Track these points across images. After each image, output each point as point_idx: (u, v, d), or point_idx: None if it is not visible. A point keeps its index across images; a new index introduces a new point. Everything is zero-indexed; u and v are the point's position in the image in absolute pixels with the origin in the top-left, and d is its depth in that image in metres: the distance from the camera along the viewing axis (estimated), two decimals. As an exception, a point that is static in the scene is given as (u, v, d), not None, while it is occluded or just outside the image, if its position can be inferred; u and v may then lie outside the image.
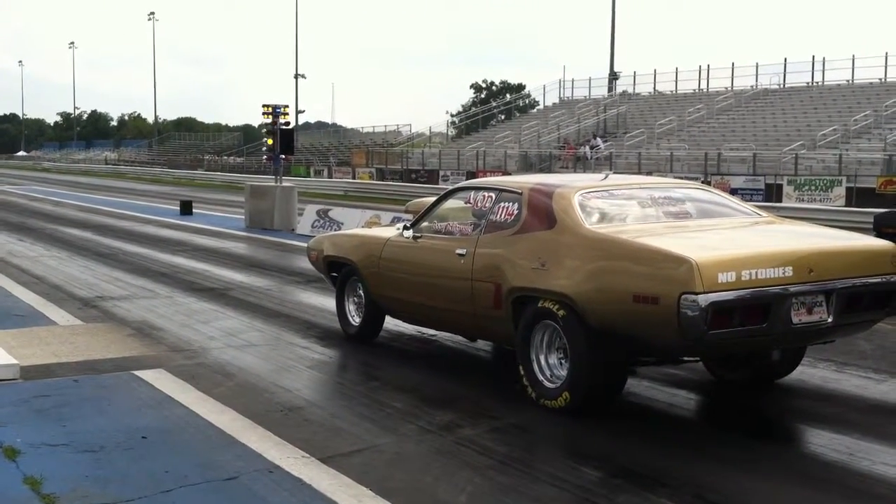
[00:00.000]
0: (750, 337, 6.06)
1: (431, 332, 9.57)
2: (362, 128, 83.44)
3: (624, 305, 6.04)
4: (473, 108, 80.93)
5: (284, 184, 22.90)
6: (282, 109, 21.88)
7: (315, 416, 6.82)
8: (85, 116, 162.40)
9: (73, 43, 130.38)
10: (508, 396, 7.13)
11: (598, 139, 45.16)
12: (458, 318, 7.84)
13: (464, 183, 10.19)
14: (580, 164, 40.90)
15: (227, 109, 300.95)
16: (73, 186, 45.86)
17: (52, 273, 14.40)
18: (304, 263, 16.02)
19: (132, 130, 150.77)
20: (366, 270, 8.93)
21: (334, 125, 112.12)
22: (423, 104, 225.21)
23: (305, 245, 11.70)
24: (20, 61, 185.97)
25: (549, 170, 41.95)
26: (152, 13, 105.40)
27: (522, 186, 7.49)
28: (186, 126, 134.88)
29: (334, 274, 9.68)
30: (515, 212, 7.25)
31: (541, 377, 6.76)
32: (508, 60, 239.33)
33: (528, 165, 44.49)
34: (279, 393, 7.48)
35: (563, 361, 6.63)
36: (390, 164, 53.21)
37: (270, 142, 22.10)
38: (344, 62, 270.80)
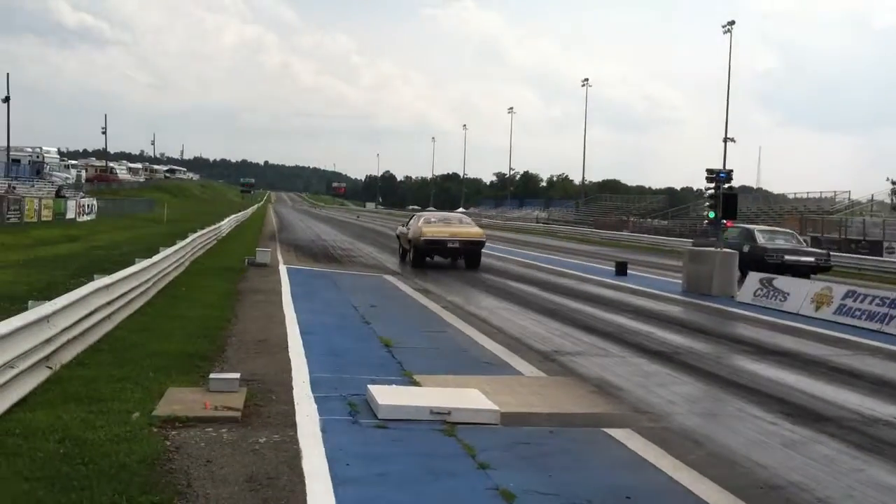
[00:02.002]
0: (437, 249, 27.35)
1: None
2: (793, 193, 79.75)
3: (416, 241, 27.38)
4: (923, 176, 73.56)
5: (725, 249, 22.36)
6: (725, 174, 21.55)
7: (800, 500, 6.47)
8: (518, 177, 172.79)
9: (511, 108, 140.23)
10: None
11: None
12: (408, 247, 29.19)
13: (413, 214, 35.30)
14: None
15: (651, 172, 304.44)
16: (511, 243, 48.74)
17: (508, 325, 15.33)
18: (750, 332, 15.56)
19: (559, 191, 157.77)
20: (401, 238, 30.63)
21: (759, 190, 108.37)
22: (861, 170, 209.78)
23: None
24: (464, 125, 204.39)
25: None
26: (586, 79, 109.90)
27: (418, 214, 31.61)
28: (610, 188, 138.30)
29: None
30: (413, 221, 29.27)
31: (406, 257, 29.66)
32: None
33: None
34: (754, 469, 7.23)
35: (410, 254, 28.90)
36: (826, 231, 50.03)
37: (712, 214, 21.81)
38: (770, 125, 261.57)
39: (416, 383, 9.80)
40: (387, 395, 8.51)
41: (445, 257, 27.96)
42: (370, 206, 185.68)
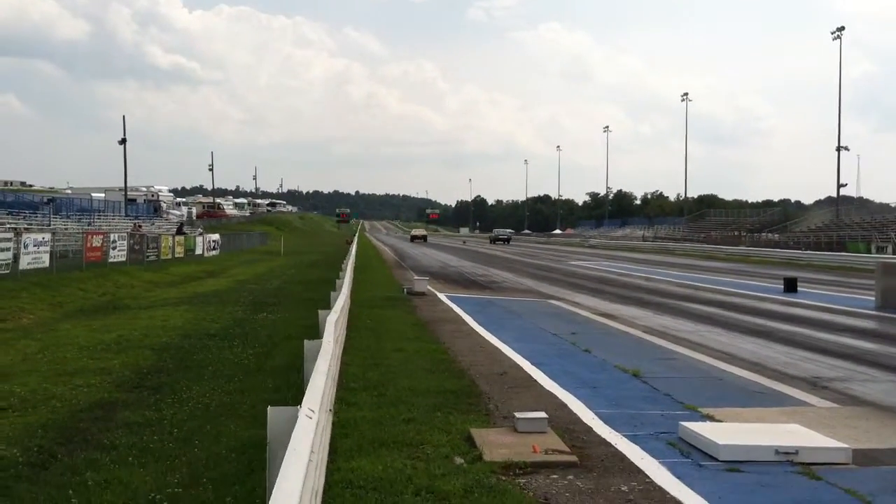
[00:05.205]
0: (415, 238, 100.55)
1: None
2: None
3: (410, 235, 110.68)
4: None
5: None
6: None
7: None
8: (611, 196, 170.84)
9: (607, 127, 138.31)
10: None
11: None
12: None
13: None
14: None
15: (746, 185, 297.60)
16: (641, 263, 47.62)
17: (732, 349, 14.40)
18: None
19: (654, 209, 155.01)
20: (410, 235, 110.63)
21: (860, 199, 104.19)
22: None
23: None
24: (558, 147, 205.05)
25: None
26: (685, 94, 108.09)
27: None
28: (708, 203, 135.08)
29: None
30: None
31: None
32: None
33: None
34: None
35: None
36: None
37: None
38: (867, 132, 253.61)
39: (712, 418, 8.99)
40: (718, 435, 7.72)
41: (419, 240, 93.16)
42: (464, 231, 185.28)
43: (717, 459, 7.35)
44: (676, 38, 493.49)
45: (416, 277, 27.21)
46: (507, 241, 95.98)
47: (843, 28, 76.17)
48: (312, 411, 5.64)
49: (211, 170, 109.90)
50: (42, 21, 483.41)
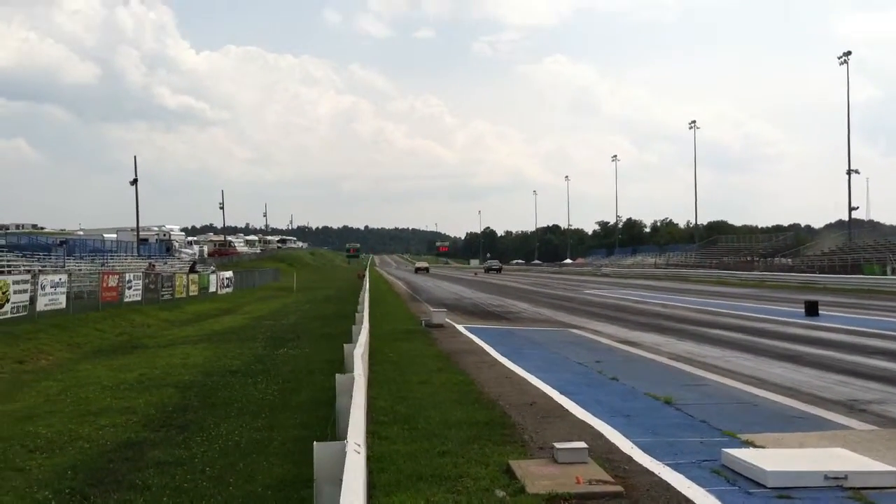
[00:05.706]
0: (419, 270, 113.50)
1: None
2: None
3: (414, 267, 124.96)
4: None
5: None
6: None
7: None
8: (621, 224, 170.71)
9: (615, 156, 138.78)
10: None
11: None
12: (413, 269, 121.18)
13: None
14: None
15: (754, 210, 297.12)
16: (651, 289, 47.34)
17: (762, 374, 14.20)
18: None
19: (664, 236, 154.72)
20: (415, 267, 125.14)
21: (870, 222, 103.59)
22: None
23: None
24: (566, 177, 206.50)
25: None
26: (693, 122, 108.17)
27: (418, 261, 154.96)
28: (718, 229, 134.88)
29: None
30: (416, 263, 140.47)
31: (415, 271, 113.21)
32: None
33: None
34: None
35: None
36: None
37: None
38: (874, 156, 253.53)
39: (752, 444, 8.79)
40: (763, 461, 7.54)
41: (422, 271, 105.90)
42: (474, 262, 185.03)
43: (765, 486, 7.16)
44: (682, 68, 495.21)
45: (433, 310, 27.05)
46: (498, 270, 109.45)
47: (849, 52, 76.29)
48: (359, 446, 5.52)
49: (222, 208, 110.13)
50: (51, 65, 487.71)
